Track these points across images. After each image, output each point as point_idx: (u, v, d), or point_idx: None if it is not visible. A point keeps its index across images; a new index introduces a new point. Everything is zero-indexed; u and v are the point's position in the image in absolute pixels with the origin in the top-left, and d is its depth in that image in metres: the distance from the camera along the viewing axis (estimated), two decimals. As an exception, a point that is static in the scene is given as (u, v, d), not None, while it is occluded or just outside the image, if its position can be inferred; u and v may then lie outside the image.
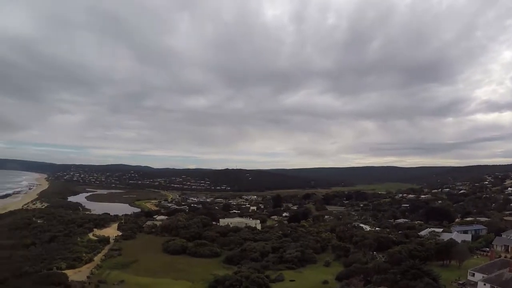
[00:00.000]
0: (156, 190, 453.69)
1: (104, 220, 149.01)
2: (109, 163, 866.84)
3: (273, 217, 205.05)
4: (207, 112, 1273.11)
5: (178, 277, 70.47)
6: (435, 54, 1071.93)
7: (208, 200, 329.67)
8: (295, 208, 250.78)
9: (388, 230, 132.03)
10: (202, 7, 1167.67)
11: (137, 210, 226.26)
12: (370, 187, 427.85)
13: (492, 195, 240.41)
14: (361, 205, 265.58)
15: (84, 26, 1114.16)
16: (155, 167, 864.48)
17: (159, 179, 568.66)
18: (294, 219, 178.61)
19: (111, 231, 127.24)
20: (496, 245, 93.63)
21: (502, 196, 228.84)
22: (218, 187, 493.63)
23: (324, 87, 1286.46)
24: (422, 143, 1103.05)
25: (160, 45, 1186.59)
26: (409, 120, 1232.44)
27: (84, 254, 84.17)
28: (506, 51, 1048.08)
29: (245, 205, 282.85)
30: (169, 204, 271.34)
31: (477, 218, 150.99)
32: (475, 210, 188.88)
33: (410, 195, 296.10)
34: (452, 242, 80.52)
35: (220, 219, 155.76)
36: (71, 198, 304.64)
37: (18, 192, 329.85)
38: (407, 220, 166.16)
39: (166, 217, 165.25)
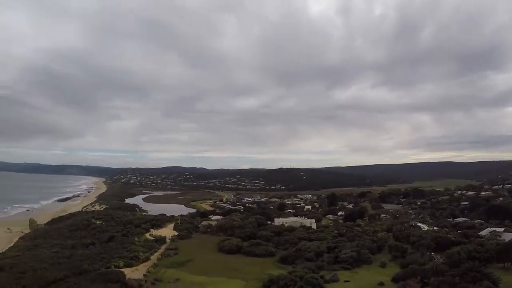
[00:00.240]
0: (211, 191, 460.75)
1: (160, 221, 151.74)
2: (164, 166, 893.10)
3: (328, 216, 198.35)
4: (258, 112, 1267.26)
5: (232, 276, 68.54)
6: (490, 38, 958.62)
7: (262, 199, 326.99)
8: (351, 206, 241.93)
9: (446, 229, 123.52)
10: (247, 9, 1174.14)
11: (193, 210, 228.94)
12: (428, 184, 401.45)
13: None
14: (419, 203, 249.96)
15: (134, 35, 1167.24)
16: (209, 168, 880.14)
17: (213, 180, 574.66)
18: (350, 218, 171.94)
19: (167, 231, 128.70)
20: None
21: None
22: (272, 187, 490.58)
23: (376, 80, 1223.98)
24: (481, 136, 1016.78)
25: (209, 48, 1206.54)
26: (466, 111, 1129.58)
27: (141, 253, 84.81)
28: None
29: (300, 204, 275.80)
30: (224, 204, 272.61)
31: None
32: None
33: (470, 192, 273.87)
34: (513, 243, 72.45)
35: (275, 219, 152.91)
36: (129, 200, 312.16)
37: (77, 195, 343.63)
38: (466, 219, 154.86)
39: (221, 217, 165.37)
